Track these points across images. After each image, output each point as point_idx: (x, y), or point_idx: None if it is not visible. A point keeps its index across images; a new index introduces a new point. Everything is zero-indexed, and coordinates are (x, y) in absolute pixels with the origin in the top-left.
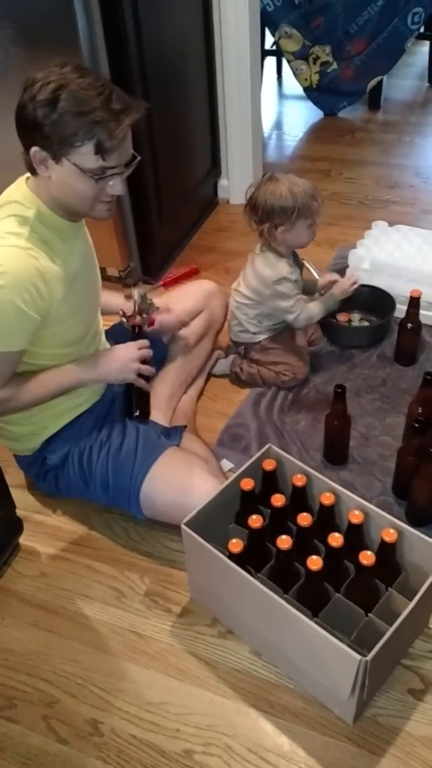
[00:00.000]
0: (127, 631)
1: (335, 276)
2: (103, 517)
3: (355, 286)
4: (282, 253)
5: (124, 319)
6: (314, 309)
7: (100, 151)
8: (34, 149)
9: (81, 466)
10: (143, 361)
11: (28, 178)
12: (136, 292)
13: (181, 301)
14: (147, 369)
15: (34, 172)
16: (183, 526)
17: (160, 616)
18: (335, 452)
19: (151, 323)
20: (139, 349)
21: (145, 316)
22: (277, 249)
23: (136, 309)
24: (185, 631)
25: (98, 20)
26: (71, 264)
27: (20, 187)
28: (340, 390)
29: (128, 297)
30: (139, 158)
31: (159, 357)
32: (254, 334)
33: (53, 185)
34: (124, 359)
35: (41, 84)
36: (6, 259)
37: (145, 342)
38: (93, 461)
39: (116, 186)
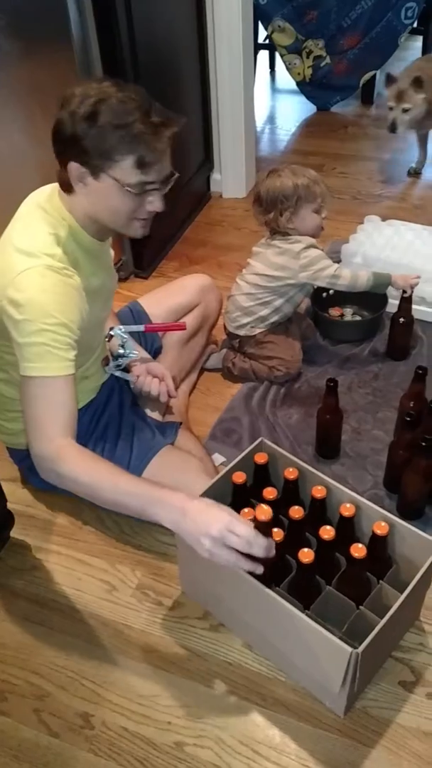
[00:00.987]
0: (119, 624)
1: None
2: (95, 510)
3: (416, 282)
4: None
5: (102, 363)
6: (363, 275)
7: (140, 165)
8: (72, 165)
9: None
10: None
11: (57, 191)
12: (118, 334)
13: (175, 295)
14: (229, 557)
15: (68, 190)
16: None
17: (152, 610)
18: (327, 446)
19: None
20: (233, 531)
21: (119, 363)
22: (286, 236)
23: (112, 352)
24: (177, 624)
25: (90, 14)
26: (94, 281)
27: (51, 200)
28: (332, 384)
29: (107, 338)
30: (177, 175)
31: (153, 350)
32: (252, 327)
33: (89, 202)
34: (206, 530)
35: (80, 99)
36: (35, 278)
37: (246, 529)
38: None
39: (156, 202)
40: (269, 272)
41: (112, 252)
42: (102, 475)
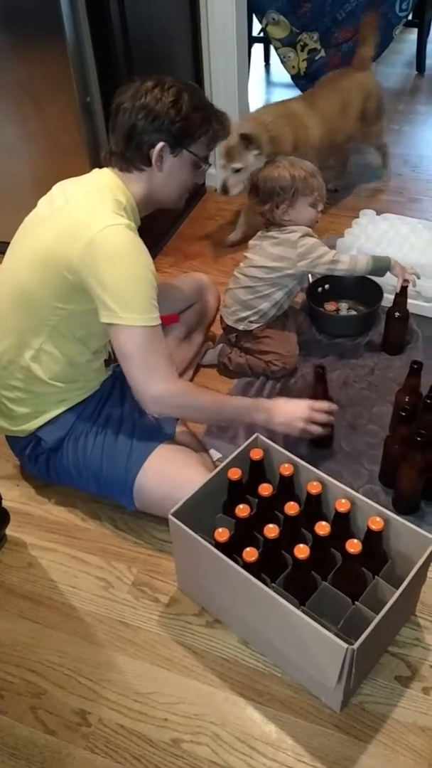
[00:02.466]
0: (115, 621)
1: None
2: (91, 507)
3: (412, 276)
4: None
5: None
6: (362, 259)
7: (213, 140)
8: (158, 146)
9: (75, 454)
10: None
11: (109, 173)
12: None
13: (174, 293)
14: (316, 429)
15: (131, 170)
16: (170, 517)
17: (148, 606)
18: (322, 435)
19: None
20: (314, 409)
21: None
22: (283, 229)
23: (111, 354)
24: (173, 620)
25: (83, 8)
26: None
27: (110, 177)
28: (321, 370)
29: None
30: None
31: None
32: (250, 322)
33: (157, 179)
34: (294, 417)
35: (161, 89)
36: (126, 233)
37: (322, 404)
38: (87, 450)
39: (204, 173)
40: (268, 263)
41: None
42: (215, 400)
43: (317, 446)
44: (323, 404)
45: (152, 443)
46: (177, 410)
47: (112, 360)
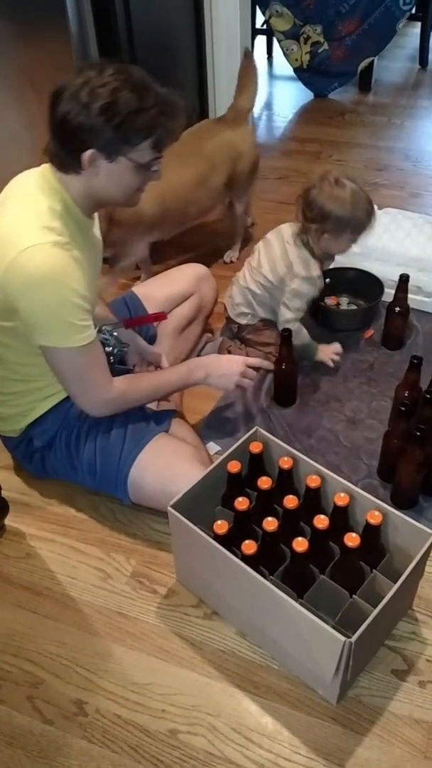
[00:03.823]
0: (113, 612)
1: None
2: (90, 498)
3: (337, 358)
4: (315, 254)
5: None
6: (304, 335)
7: (157, 145)
8: (88, 152)
9: (68, 450)
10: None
11: (48, 169)
12: (103, 332)
13: (171, 284)
14: (248, 382)
15: (68, 170)
16: (169, 509)
17: (146, 598)
18: (284, 394)
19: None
20: (246, 365)
21: (111, 360)
22: (312, 248)
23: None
24: (171, 612)
25: (87, 1)
26: (84, 258)
27: (45, 177)
28: (286, 333)
29: None
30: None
31: (148, 338)
32: (252, 317)
33: (95, 182)
34: (229, 371)
35: (89, 90)
36: (49, 255)
37: (254, 361)
38: (80, 445)
39: (158, 172)
40: (270, 277)
41: (98, 231)
42: (150, 384)
43: (280, 404)
44: (255, 360)
45: (146, 437)
46: (119, 409)
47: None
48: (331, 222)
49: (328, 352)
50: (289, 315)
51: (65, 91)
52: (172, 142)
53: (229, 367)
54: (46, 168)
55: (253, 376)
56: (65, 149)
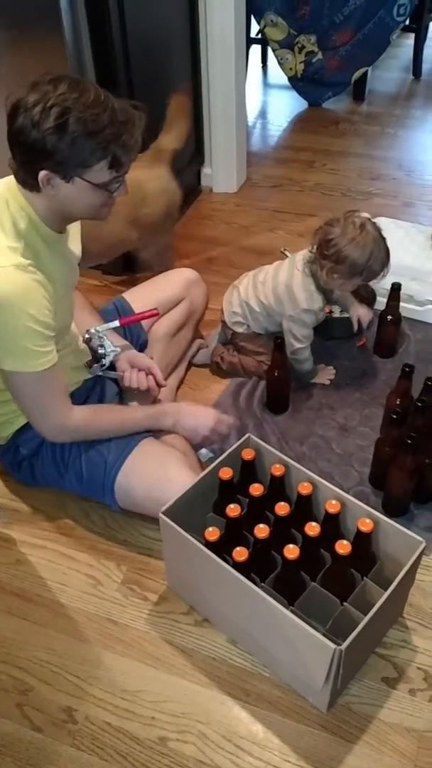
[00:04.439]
0: (103, 619)
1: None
2: (80, 505)
3: (330, 377)
4: (321, 287)
5: (86, 364)
6: (310, 362)
7: (114, 165)
8: (42, 173)
9: (54, 457)
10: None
11: (14, 183)
12: (93, 335)
13: (161, 289)
14: (217, 437)
15: (30, 189)
16: (161, 515)
17: (137, 605)
18: (277, 401)
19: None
20: (218, 421)
21: (103, 362)
22: (319, 281)
23: (94, 355)
24: (161, 619)
25: (81, 6)
26: (53, 270)
27: (11, 191)
28: (279, 340)
29: (86, 341)
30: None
31: (139, 344)
32: (248, 327)
33: (57, 200)
34: (199, 423)
35: (41, 109)
36: (7, 279)
37: (226, 418)
38: (66, 452)
39: (122, 188)
40: (271, 298)
41: (75, 245)
42: (114, 420)
43: (272, 411)
44: (228, 418)
45: (130, 443)
46: (78, 439)
47: (94, 361)
48: (346, 266)
49: (324, 376)
50: (297, 345)
51: (20, 107)
52: (131, 161)
53: (198, 420)
54: (11, 184)
55: (223, 432)
56: (22, 167)
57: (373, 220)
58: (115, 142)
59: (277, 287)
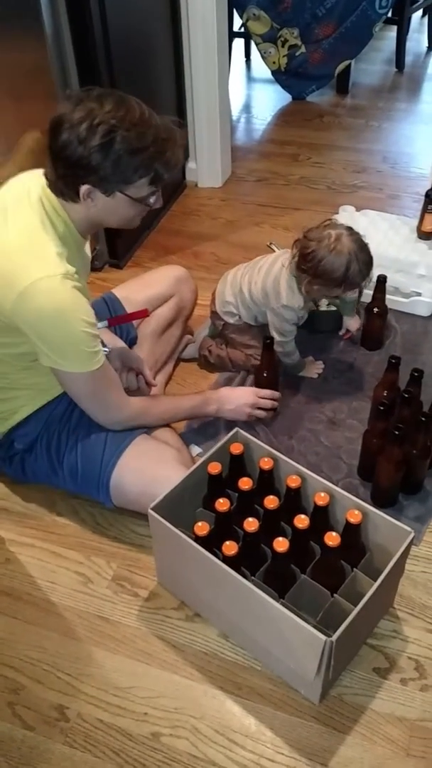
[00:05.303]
0: (94, 616)
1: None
2: (70, 502)
3: (319, 371)
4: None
5: None
6: (296, 355)
7: (155, 181)
8: (84, 188)
9: (49, 453)
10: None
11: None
12: None
13: (150, 286)
14: (261, 413)
15: (68, 199)
16: (150, 511)
17: (127, 601)
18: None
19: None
20: (259, 396)
21: None
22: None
23: None
24: (152, 615)
25: (62, 2)
26: (81, 272)
27: (48, 197)
28: (268, 341)
29: None
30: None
31: (128, 340)
32: (239, 318)
33: (94, 211)
34: (240, 403)
35: (88, 126)
36: (59, 289)
37: (266, 392)
38: (62, 448)
39: (158, 201)
40: (260, 287)
41: (88, 246)
42: (168, 408)
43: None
44: (266, 392)
45: (126, 439)
46: (137, 425)
47: None
48: (324, 280)
49: (312, 369)
50: (279, 338)
51: (64, 122)
52: (170, 176)
53: (239, 401)
54: (48, 190)
55: (267, 405)
56: (63, 180)
57: (359, 212)
58: (158, 159)
59: (267, 279)
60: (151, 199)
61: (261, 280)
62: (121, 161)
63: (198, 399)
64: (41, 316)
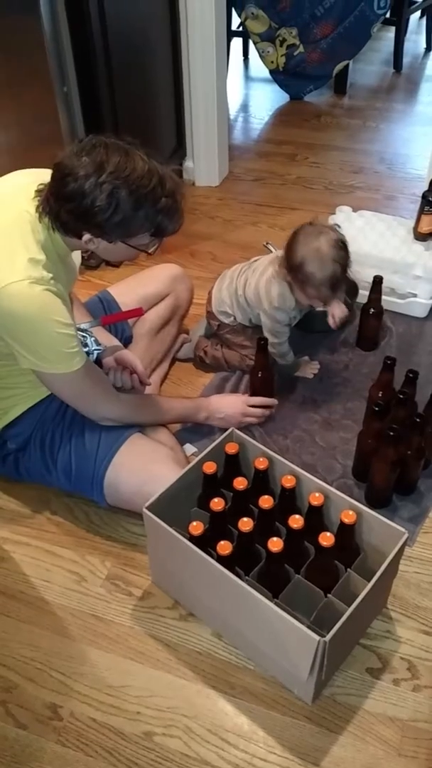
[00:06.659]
0: (88, 615)
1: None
2: (64, 501)
3: (314, 371)
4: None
5: None
6: (290, 355)
7: (158, 233)
8: (86, 236)
9: (43, 452)
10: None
11: (38, 193)
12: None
13: (146, 284)
14: (252, 420)
15: (61, 232)
16: (145, 510)
17: (121, 600)
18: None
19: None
20: (250, 405)
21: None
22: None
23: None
24: (146, 614)
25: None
26: (62, 279)
27: (28, 199)
28: (263, 342)
29: None
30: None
31: (123, 339)
32: (234, 319)
33: (93, 247)
34: (230, 413)
35: (94, 182)
36: (32, 293)
37: (256, 400)
38: (55, 447)
39: (156, 246)
40: (250, 292)
41: (77, 253)
42: (157, 410)
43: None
44: (257, 399)
45: (120, 438)
46: (128, 423)
47: None
48: (302, 277)
49: (307, 370)
50: (272, 339)
51: (69, 174)
52: (173, 230)
53: (229, 410)
54: (28, 188)
55: (258, 414)
56: (65, 225)
57: (356, 213)
58: (162, 213)
59: (260, 281)
60: (152, 246)
61: (254, 282)
62: (126, 218)
63: (189, 405)
64: (14, 320)
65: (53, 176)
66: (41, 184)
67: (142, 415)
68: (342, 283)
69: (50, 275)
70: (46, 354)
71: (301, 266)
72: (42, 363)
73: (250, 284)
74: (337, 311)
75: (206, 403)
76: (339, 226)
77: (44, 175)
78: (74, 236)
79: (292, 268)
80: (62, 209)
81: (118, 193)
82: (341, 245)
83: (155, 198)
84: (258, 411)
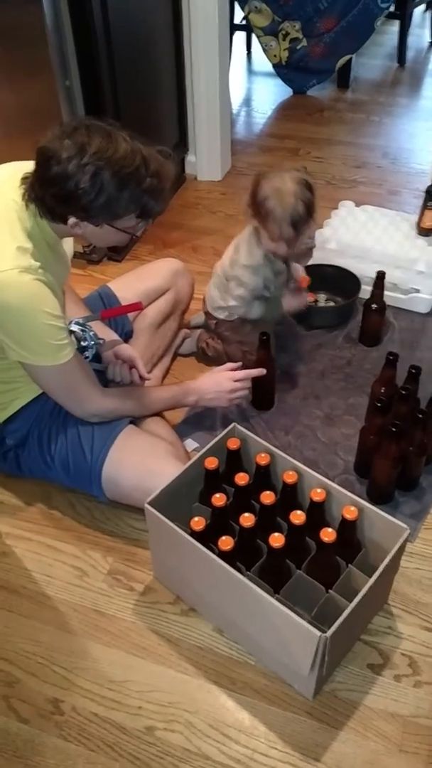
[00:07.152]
0: (90, 609)
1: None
2: (66, 496)
3: (304, 301)
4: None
5: None
6: (255, 309)
7: (143, 215)
8: (72, 220)
9: (41, 448)
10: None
11: (24, 181)
12: (75, 327)
13: (147, 279)
14: (242, 394)
15: (48, 218)
16: (146, 506)
17: (123, 595)
18: (262, 398)
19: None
20: (236, 380)
21: (86, 354)
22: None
23: (78, 346)
24: (148, 609)
25: None
26: (54, 273)
27: (14, 187)
28: (265, 337)
29: (70, 333)
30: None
31: (124, 334)
32: (229, 314)
33: (80, 232)
34: (219, 390)
35: (76, 164)
36: (21, 282)
37: (240, 373)
38: (52, 443)
39: (142, 228)
40: (227, 271)
41: (70, 243)
42: (144, 402)
43: (258, 408)
44: (241, 373)
45: (113, 432)
46: (116, 417)
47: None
48: (272, 222)
49: (294, 302)
50: (232, 302)
51: (53, 157)
52: (159, 211)
53: (217, 387)
54: (14, 176)
55: (244, 388)
56: (50, 210)
57: (359, 208)
58: (147, 194)
59: (230, 248)
60: (139, 228)
61: (231, 254)
62: (110, 199)
63: (177, 390)
64: (2, 310)
65: (37, 161)
66: (27, 173)
67: (130, 407)
68: (305, 223)
69: (38, 264)
70: (34, 345)
71: (263, 202)
72: (29, 354)
73: (228, 257)
74: (298, 270)
75: (194, 385)
76: (306, 169)
77: (31, 165)
78: (60, 221)
79: (255, 206)
80: (47, 194)
81: (102, 175)
82: (306, 184)
83: (139, 178)
84: (244, 385)
